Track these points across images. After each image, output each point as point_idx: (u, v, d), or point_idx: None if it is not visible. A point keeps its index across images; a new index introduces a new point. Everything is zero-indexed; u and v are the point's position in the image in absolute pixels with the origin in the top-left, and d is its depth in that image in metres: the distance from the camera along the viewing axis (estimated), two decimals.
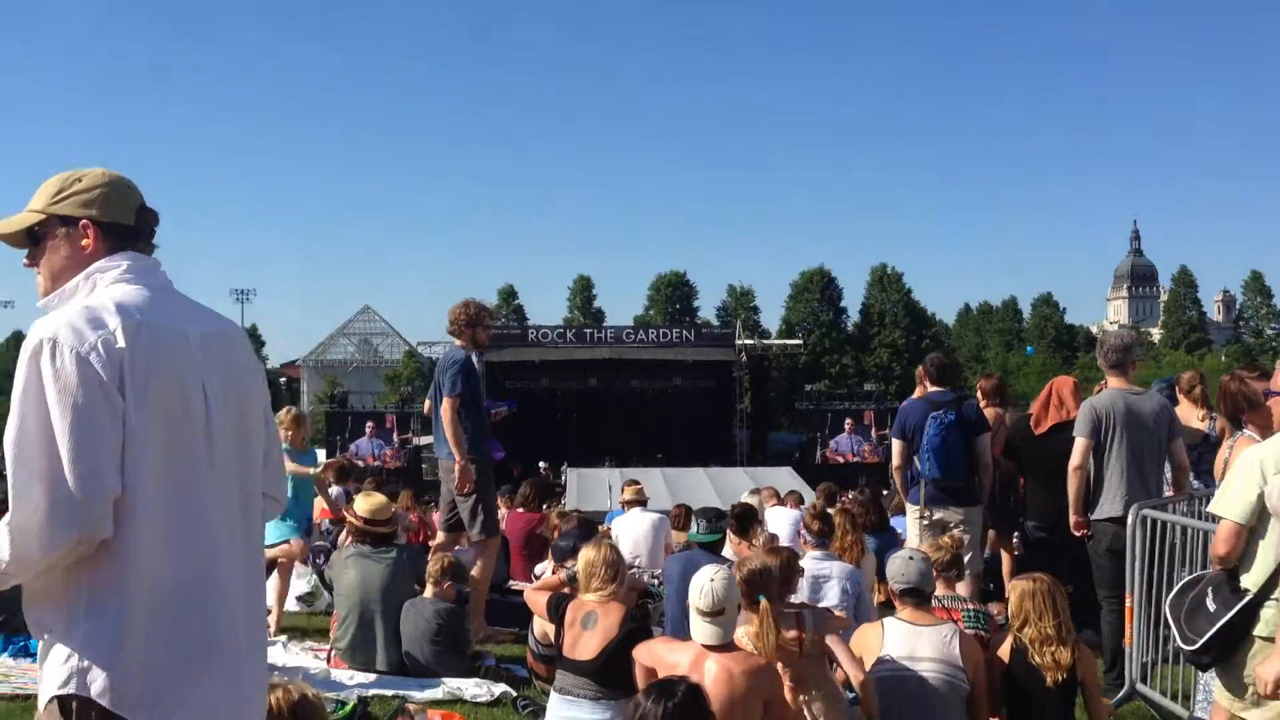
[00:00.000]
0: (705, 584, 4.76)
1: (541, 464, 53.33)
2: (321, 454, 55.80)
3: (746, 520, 8.06)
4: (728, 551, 7.63)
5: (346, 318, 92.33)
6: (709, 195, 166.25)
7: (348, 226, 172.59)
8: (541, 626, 5.95)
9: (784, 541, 9.85)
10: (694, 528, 7.20)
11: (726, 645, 4.77)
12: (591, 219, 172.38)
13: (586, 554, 5.51)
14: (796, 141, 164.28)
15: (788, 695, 5.07)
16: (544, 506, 10.61)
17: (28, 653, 6.46)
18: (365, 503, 6.69)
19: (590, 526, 7.80)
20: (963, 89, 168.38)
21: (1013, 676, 5.10)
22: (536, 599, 5.92)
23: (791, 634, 5.14)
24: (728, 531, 7.60)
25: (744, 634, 5.03)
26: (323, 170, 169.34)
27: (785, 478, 31.69)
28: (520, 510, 10.25)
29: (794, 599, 6.52)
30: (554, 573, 6.85)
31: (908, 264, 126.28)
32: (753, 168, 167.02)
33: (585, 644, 5.32)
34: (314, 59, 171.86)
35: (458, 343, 7.80)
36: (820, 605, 6.68)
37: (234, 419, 2.53)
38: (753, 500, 9.95)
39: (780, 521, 10.08)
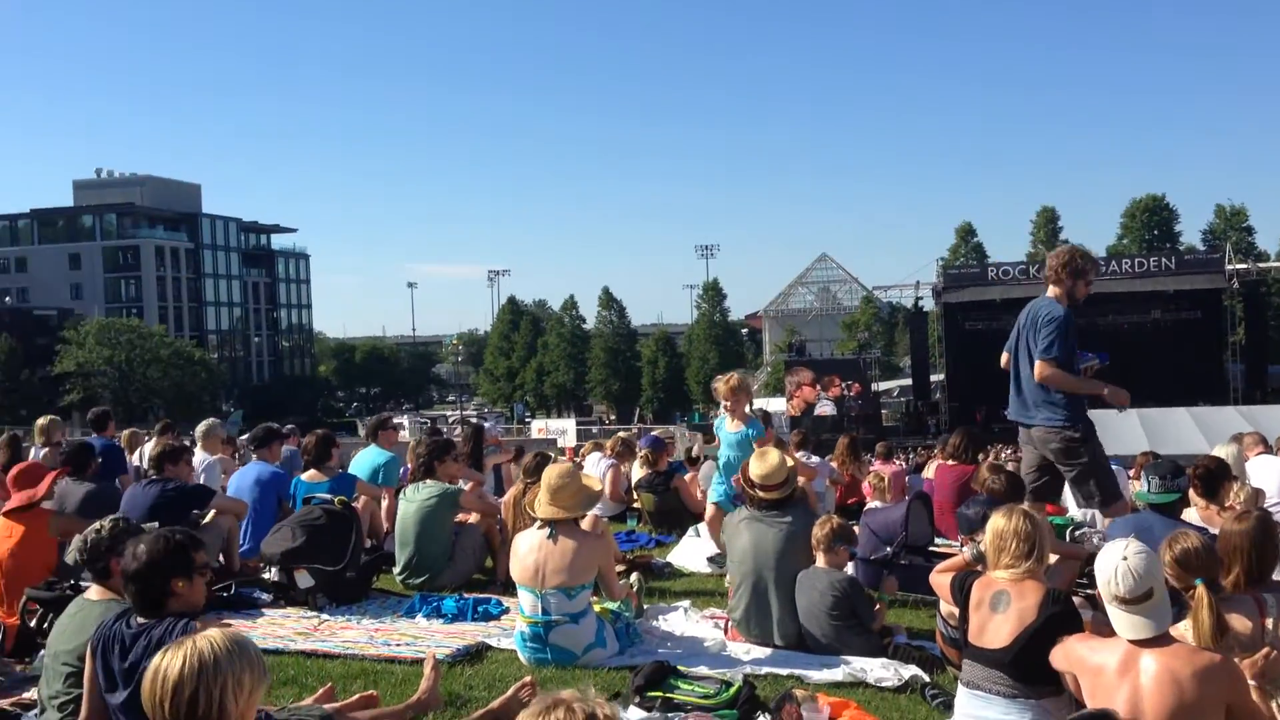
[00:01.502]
0: (1118, 564, 3.80)
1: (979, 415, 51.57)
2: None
3: (1215, 478, 6.71)
4: (1193, 516, 6.37)
5: (805, 266, 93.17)
6: (1184, 108, 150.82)
7: (804, 174, 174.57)
8: (948, 606, 5.15)
9: (1273, 499, 8.27)
10: (1143, 484, 6.03)
11: (1162, 639, 3.78)
12: (1052, 147, 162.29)
13: (995, 523, 4.65)
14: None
15: (1255, 697, 3.98)
16: (979, 457, 9.55)
17: (439, 613, 6.55)
18: (759, 465, 6.17)
19: (1016, 486, 6.72)
20: None
21: None
22: (940, 580, 5.12)
23: (1245, 625, 4.04)
24: (1190, 492, 6.35)
25: (1186, 626, 4.01)
26: (779, 120, 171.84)
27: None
28: (950, 463, 9.31)
29: None
30: (962, 546, 5.98)
31: None
32: (1233, 76, 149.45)
33: (996, 630, 4.48)
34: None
35: (1052, 292, 6.78)
36: None
37: None
38: (1229, 450, 8.34)
39: (1267, 474, 8.44)
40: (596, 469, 11.36)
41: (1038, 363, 6.57)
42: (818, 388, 54.23)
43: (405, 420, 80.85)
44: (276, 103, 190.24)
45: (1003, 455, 34.77)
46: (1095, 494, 6.76)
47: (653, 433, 12.16)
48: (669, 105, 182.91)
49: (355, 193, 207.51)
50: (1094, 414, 7.25)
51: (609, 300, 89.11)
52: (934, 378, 57.13)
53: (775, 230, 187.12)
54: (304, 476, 8.13)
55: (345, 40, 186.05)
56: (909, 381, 61.51)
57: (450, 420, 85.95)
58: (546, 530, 5.74)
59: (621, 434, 12.79)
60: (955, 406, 51.86)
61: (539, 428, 71.87)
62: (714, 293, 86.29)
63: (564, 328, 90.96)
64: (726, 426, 7.73)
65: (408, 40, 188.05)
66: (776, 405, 58.42)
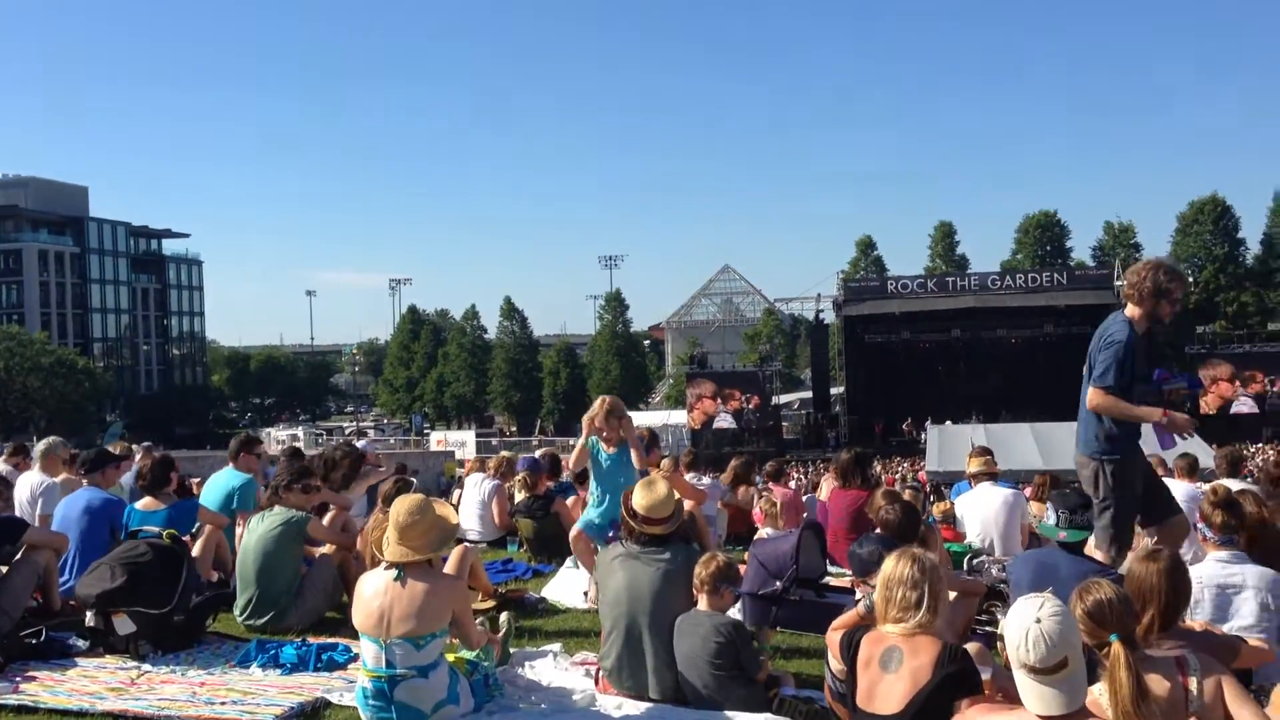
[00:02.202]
0: (1030, 627, 3.30)
1: (906, 423, 51.97)
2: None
3: None
4: (1089, 547, 5.95)
5: (708, 278, 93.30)
6: (1077, 127, 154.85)
7: (707, 186, 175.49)
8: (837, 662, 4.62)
9: None
10: (1050, 516, 5.58)
11: (1078, 714, 3.30)
12: (951, 162, 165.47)
13: (884, 570, 4.13)
14: (1172, 56, 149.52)
15: None
16: (871, 478, 9.09)
17: (276, 662, 5.84)
18: (644, 495, 5.59)
19: (910, 518, 6.19)
20: None
21: None
22: (833, 639, 4.59)
23: (1165, 687, 3.59)
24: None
25: (1100, 690, 3.54)
26: (683, 131, 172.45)
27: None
28: (840, 486, 8.84)
29: (1193, 619, 4.88)
30: (854, 587, 5.48)
31: None
32: (1123, 92, 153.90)
33: (887, 692, 3.96)
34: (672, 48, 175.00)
35: (1129, 312, 6.08)
36: (1229, 629, 4.96)
37: None
38: None
39: None
40: (479, 490, 10.67)
41: (1090, 389, 6.09)
42: (718, 401, 54.11)
43: (300, 431, 79.10)
44: (170, 104, 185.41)
45: (902, 470, 34.82)
46: (1106, 540, 6.08)
47: (534, 453, 11.39)
48: (573, 115, 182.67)
49: (253, 198, 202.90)
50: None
51: (511, 310, 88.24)
52: (834, 390, 57.36)
53: (679, 241, 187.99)
54: (138, 505, 7.31)
55: (240, 40, 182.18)
56: (809, 394, 61.67)
57: (346, 431, 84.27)
58: (394, 572, 5.08)
59: (505, 453, 12.04)
60: (855, 419, 52.15)
61: (438, 439, 70.69)
62: (617, 304, 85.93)
63: (465, 338, 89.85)
64: (603, 449, 7.22)
65: (306, 42, 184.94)
66: (678, 418, 58.14)
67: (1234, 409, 50.24)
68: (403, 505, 5.14)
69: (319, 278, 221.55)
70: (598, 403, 7.39)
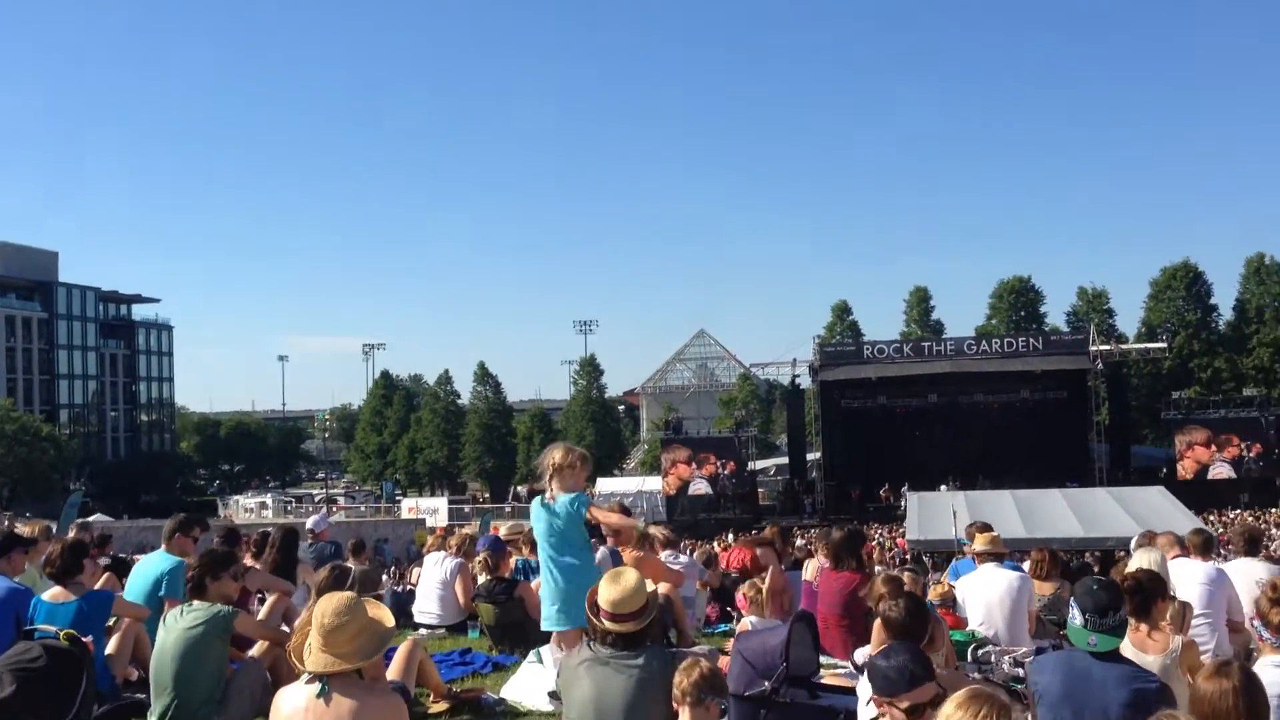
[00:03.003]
0: None
1: (883, 488, 51.31)
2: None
3: (1149, 596, 5.63)
4: (1127, 648, 5.24)
5: (683, 343, 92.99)
6: (1052, 193, 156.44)
7: (683, 250, 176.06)
8: None
9: (1198, 612, 7.26)
10: (1073, 617, 4.81)
11: None
12: (927, 226, 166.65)
13: (950, 714, 3.38)
14: (1144, 123, 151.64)
15: None
16: (865, 559, 8.37)
17: None
18: (611, 588, 4.87)
19: (917, 617, 5.44)
20: None
21: None
22: None
23: None
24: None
25: None
26: (658, 196, 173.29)
27: (1157, 499, 27.57)
28: (831, 568, 8.10)
29: None
30: (868, 703, 4.73)
31: None
32: (1096, 160, 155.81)
33: None
34: (643, 93, 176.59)
35: None
36: None
37: None
38: (1152, 556, 7.31)
39: (1191, 582, 7.43)
40: (440, 569, 9.82)
41: None
42: (693, 466, 53.41)
43: (269, 499, 77.66)
44: (141, 169, 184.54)
45: (878, 534, 34.11)
46: None
47: (498, 531, 10.46)
48: (546, 179, 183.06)
49: (224, 263, 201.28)
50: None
51: (484, 375, 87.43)
52: (810, 456, 56.73)
53: (654, 307, 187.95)
54: (45, 595, 6.50)
55: (210, 104, 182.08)
56: (786, 460, 60.98)
57: (316, 499, 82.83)
58: (317, 686, 4.30)
59: (468, 530, 11.18)
60: (832, 485, 51.52)
61: (409, 506, 69.58)
62: (591, 369, 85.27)
63: (438, 403, 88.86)
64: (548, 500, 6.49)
65: (277, 107, 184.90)
66: (653, 484, 57.34)
67: (1210, 474, 49.93)
68: (329, 604, 4.38)
69: (292, 343, 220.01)
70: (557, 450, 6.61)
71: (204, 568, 6.36)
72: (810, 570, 10.35)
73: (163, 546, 8.20)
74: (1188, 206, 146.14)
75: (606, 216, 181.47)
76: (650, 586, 5.23)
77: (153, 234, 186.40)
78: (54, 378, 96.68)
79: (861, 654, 6.17)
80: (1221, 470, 50.31)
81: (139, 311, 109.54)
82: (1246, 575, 7.62)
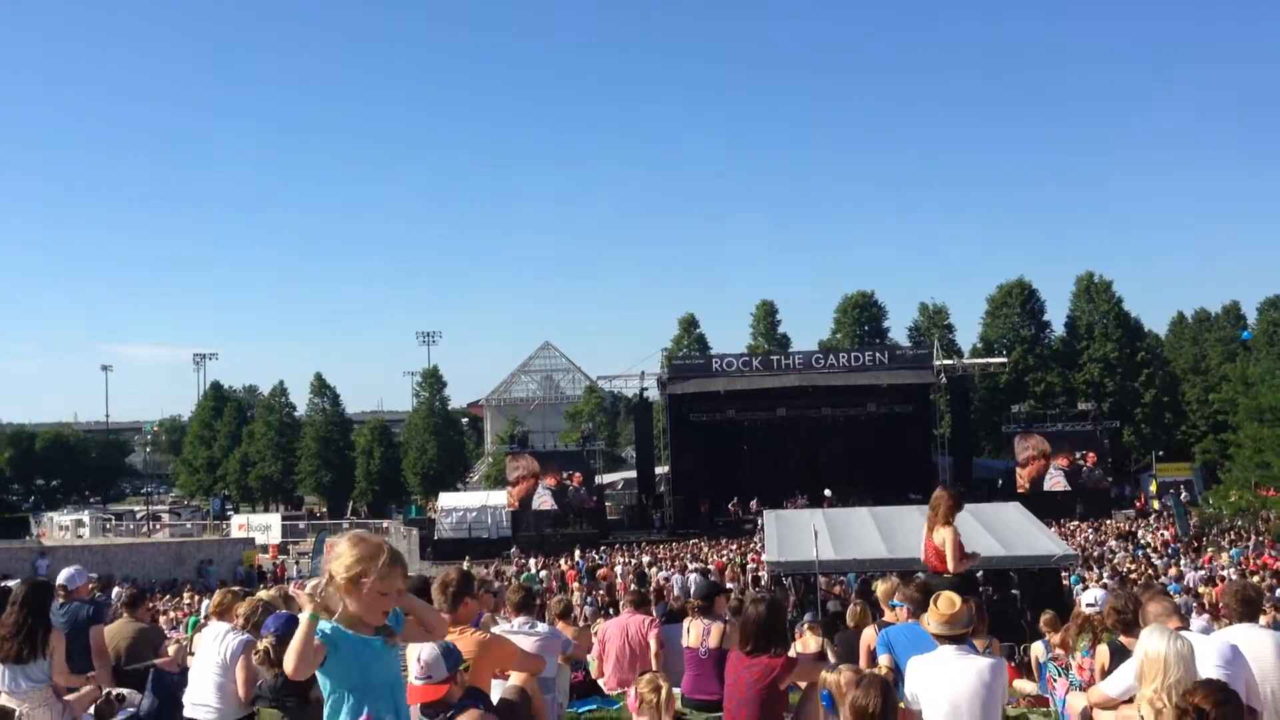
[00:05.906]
0: None
1: (732, 502, 50.63)
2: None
3: None
4: None
5: (528, 354, 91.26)
6: (892, 209, 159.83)
7: (527, 261, 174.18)
8: None
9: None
10: None
11: None
12: (771, 241, 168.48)
13: None
14: (980, 147, 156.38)
15: None
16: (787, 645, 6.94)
17: None
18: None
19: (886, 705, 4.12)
20: (1167, 89, 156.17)
21: None
22: None
23: None
24: None
25: None
26: (502, 208, 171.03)
27: (1014, 514, 26.93)
28: (747, 652, 6.61)
29: None
30: None
31: (1116, 272, 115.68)
32: (935, 177, 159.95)
33: None
34: (508, 98, 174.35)
35: None
36: None
37: None
38: (1171, 648, 5.22)
39: (1201, 664, 5.52)
40: (220, 646, 7.83)
41: None
42: (538, 479, 51.90)
43: (86, 515, 72.74)
44: None
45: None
46: None
47: (286, 610, 7.82)
48: (387, 187, 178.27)
49: (40, 267, 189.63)
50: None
51: (322, 386, 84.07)
52: (659, 470, 55.80)
53: (498, 318, 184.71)
54: None
55: (29, 99, 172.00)
56: (634, 474, 59.92)
57: (138, 515, 78.11)
58: None
59: (266, 593, 9.02)
60: (681, 500, 50.66)
61: (240, 523, 66.22)
62: (434, 380, 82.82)
63: (272, 415, 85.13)
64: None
65: (106, 102, 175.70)
66: (497, 498, 55.47)
67: (1047, 484, 50.96)
68: None
69: (116, 351, 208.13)
70: (365, 549, 4.08)
71: None
72: (691, 635, 8.90)
73: None
74: (1022, 226, 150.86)
75: (449, 226, 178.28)
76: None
77: None
78: None
79: None
80: (1058, 481, 51.45)
81: None
82: (1259, 648, 6.32)
